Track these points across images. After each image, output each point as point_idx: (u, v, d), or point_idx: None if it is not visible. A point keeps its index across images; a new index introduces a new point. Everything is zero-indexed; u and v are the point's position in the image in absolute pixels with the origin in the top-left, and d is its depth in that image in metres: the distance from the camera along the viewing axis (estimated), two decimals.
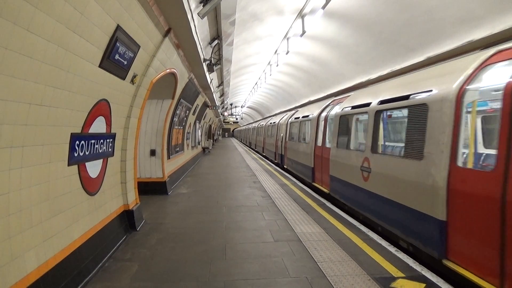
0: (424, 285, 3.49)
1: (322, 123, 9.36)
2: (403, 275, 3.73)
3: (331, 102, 9.50)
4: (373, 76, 9.04)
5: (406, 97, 4.91)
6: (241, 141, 50.60)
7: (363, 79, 9.67)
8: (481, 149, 5.21)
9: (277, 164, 16.39)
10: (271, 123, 20.12)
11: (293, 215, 6.30)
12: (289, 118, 14.14)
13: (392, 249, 4.51)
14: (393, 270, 3.84)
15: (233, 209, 6.85)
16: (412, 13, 6.33)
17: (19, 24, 2.22)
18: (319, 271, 3.85)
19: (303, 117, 11.52)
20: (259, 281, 3.66)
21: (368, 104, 6.17)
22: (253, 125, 36.55)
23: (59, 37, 2.70)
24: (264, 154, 22.42)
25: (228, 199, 7.89)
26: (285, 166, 14.27)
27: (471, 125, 4.13)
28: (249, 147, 34.88)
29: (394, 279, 3.64)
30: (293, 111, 15.18)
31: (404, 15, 6.51)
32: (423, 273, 3.76)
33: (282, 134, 15.16)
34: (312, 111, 10.58)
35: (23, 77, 2.43)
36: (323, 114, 9.43)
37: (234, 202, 7.56)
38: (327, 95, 12.90)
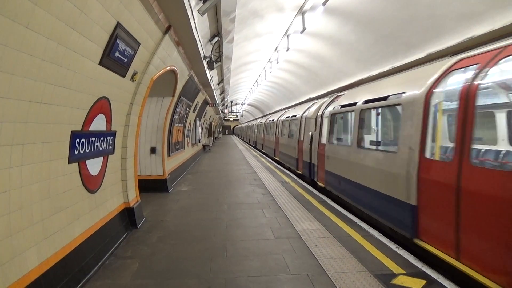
0: (424, 281, 3.49)
1: (450, 112, 4.34)
2: (403, 271, 3.73)
3: (456, 62, 4.34)
4: (374, 72, 9.03)
5: None
6: (243, 139, 46.66)
7: (364, 75, 9.67)
8: None
9: (300, 176, 11.35)
10: (287, 117, 14.48)
11: (294, 212, 6.30)
12: (326, 108, 9.16)
13: (392, 245, 4.52)
14: (393, 267, 3.84)
15: (234, 207, 6.85)
16: (413, 9, 6.31)
17: (19, 21, 2.21)
18: (320, 268, 3.86)
19: (367, 101, 6.34)
20: (260, 278, 3.66)
21: None
22: (259, 121, 29.16)
23: (59, 34, 2.69)
24: (277, 159, 16.67)
25: (228, 196, 7.89)
26: (320, 184, 9.00)
27: None
28: (253, 147, 29.21)
29: (394, 275, 3.64)
30: (328, 98, 10.07)
31: (405, 11, 6.50)
32: (424, 269, 3.77)
33: (311, 133, 10.07)
34: (393, 89, 5.52)
35: (23, 75, 2.42)
36: (446, 89, 4.40)
37: (235, 199, 7.56)
38: (326, 92, 12.87)
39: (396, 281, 3.53)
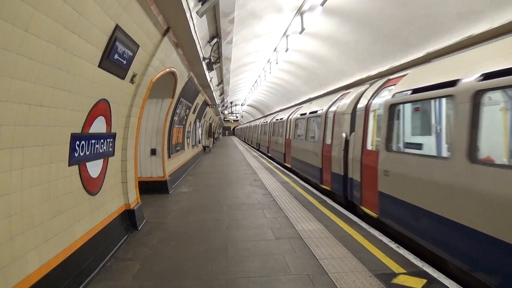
0: (425, 280, 3.50)
1: None
2: (404, 271, 3.74)
3: None
4: (373, 72, 9.03)
5: None
6: (244, 141, 44.29)
7: (363, 75, 9.67)
8: None
9: (327, 193, 8.24)
10: (302, 114, 11.34)
11: (294, 212, 6.31)
12: (374, 97, 6.21)
13: (393, 245, 4.52)
14: (394, 266, 3.85)
15: (234, 207, 6.86)
16: (411, 9, 6.32)
17: (18, 25, 2.22)
18: (321, 268, 3.86)
19: (494, 75, 3.30)
20: (261, 278, 3.67)
21: None
22: (263, 120, 25.66)
23: (58, 37, 2.70)
24: (288, 166, 13.58)
25: (229, 197, 7.90)
26: (367, 211, 6.02)
27: None
28: (257, 149, 26.35)
29: (395, 275, 3.65)
30: (369, 85, 7.09)
31: (404, 10, 6.51)
32: (425, 268, 3.77)
33: (345, 135, 7.00)
34: None
35: (23, 78, 2.43)
36: None
37: (235, 200, 7.57)
38: (327, 92, 12.87)
39: (397, 280, 3.53)
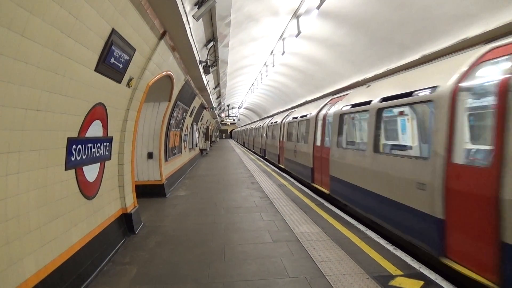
0: (422, 282, 3.51)
1: None
2: (401, 273, 3.75)
3: None
4: (370, 75, 9.08)
5: None
6: (243, 145, 41.27)
7: (360, 78, 9.71)
8: None
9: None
10: (362, 104, 6.41)
11: (292, 215, 6.31)
12: None
13: (390, 247, 4.53)
14: (391, 268, 3.86)
15: (232, 211, 6.85)
16: (407, 11, 6.37)
17: (14, 29, 2.22)
18: (318, 271, 3.86)
19: None
20: (258, 281, 3.66)
21: None
22: (268, 121, 20.41)
23: (54, 41, 2.70)
24: (324, 192, 8.34)
25: (226, 200, 7.89)
26: None
27: None
28: (261, 157, 21.62)
29: (392, 277, 3.66)
30: None
31: (399, 13, 6.55)
32: (421, 270, 3.78)
33: None
34: None
35: (19, 83, 2.43)
36: None
37: (233, 203, 7.56)
38: (323, 95, 12.91)
39: (394, 282, 3.54)
